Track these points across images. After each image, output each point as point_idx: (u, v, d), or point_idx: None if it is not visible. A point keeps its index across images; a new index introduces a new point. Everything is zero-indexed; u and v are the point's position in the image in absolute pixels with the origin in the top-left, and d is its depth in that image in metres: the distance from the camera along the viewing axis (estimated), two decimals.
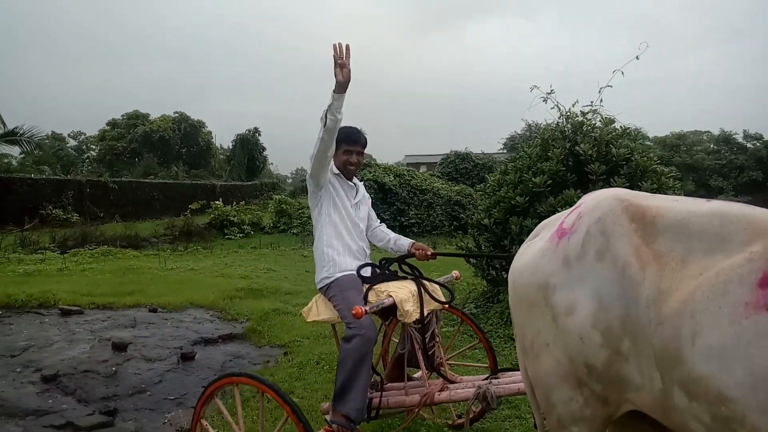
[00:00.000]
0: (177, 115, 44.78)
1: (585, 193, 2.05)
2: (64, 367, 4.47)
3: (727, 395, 1.36)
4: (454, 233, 17.53)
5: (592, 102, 6.21)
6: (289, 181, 59.74)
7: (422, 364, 2.94)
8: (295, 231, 20.32)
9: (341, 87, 2.66)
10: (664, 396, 1.54)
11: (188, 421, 3.65)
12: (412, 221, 20.18)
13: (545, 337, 1.86)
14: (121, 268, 10.36)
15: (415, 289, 2.93)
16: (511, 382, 2.77)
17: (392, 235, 3.33)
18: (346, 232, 3.04)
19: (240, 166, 38.88)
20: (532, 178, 5.90)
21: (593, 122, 6.26)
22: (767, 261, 1.37)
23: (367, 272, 3.01)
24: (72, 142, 54.60)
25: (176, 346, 5.21)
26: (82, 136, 55.68)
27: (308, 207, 3.19)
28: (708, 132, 46.02)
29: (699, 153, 41.04)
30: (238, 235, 19.70)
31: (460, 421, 3.59)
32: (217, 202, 21.27)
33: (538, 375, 1.93)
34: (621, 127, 6.27)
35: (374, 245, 3.39)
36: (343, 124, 2.80)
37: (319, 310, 2.98)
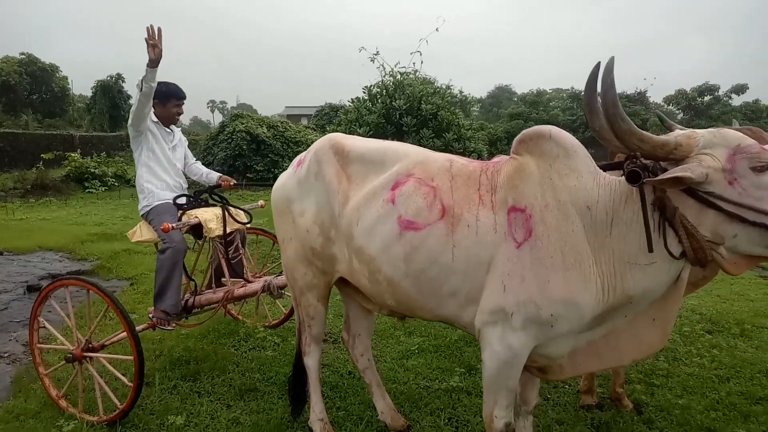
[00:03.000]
0: (24, 57, 39.93)
1: None
2: None
3: (372, 256, 2.37)
4: None
5: (414, 63, 7.29)
6: None
7: (226, 270, 3.80)
8: None
9: (153, 63, 3.32)
10: (350, 263, 2.54)
11: None
12: None
13: (289, 233, 2.79)
14: None
15: (221, 212, 3.73)
16: None
17: (204, 170, 4.11)
18: (162, 170, 3.76)
19: (102, 115, 35.89)
20: (358, 129, 6.87)
21: (412, 81, 7.33)
22: (398, 174, 2.39)
23: (183, 201, 3.75)
24: None
25: (22, 280, 5.59)
26: None
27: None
28: (568, 90, 50.35)
29: (555, 110, 44.97)
30: (100, 188, 18.95)
31: (274, 322, 4.58)
32: (73, 154, 20.07)
33: (287, 260, 2.88)
34: (436, 86, 7.42)
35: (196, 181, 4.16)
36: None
37: (142, 232, 3.71)
